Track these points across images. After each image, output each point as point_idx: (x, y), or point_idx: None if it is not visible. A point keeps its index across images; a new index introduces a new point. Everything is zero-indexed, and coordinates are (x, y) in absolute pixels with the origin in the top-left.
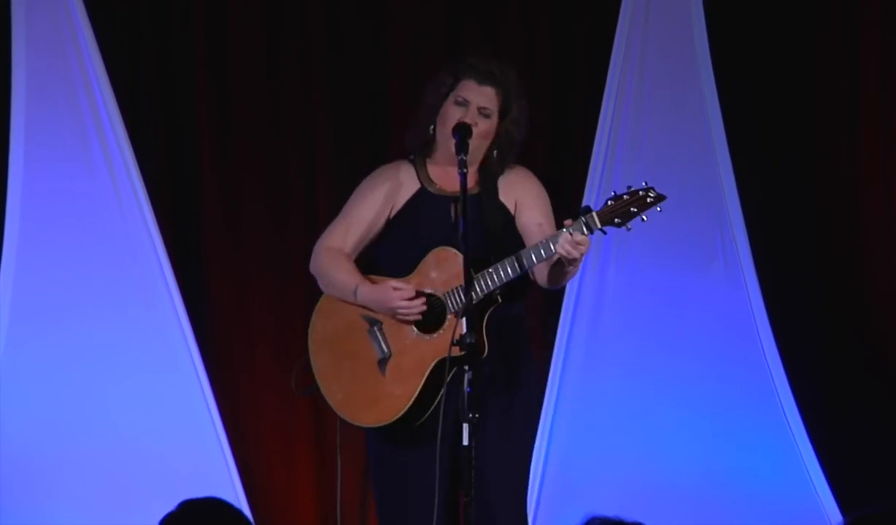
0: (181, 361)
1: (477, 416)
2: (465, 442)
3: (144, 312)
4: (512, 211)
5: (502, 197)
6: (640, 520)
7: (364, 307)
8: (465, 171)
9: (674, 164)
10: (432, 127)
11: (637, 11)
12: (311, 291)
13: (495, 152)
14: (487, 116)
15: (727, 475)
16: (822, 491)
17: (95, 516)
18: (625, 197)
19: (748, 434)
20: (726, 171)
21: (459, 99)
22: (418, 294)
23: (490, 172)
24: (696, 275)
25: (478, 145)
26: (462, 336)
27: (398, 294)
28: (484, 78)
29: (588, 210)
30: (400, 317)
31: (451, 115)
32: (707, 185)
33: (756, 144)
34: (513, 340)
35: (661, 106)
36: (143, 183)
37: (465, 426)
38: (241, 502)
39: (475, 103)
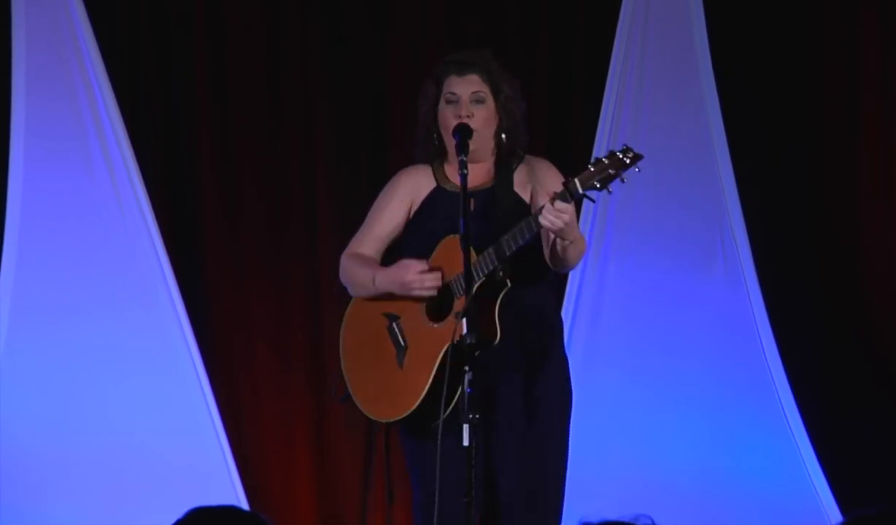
0: (181, 361)
1: (477, 416)
2: (466, 443)
3: (144, 312)
4: (527, 200)
5: (517, 187)
6: None
7: (384, 300)
8: (465, 171)
9: (674, 164)
10: (436, 135)
11: (637, 11)
12: (310, 292)
13: (504, 136)
14: (481, 101)
15: (727, 475)
16: (821, 491)
17: (95, 516)
18: (604, 160)
19: (748, 434)
20: (726, 171)
21: (448, 96)
22: (432, 269)
23: (506, 164)
24: (696, 275)
25: (483, 136)
26: (462, 337)
27: (410, 268)
28: (463, 68)
29: (570, 178)
30: (416, 292)
31: (447, 115)
32: (707, 185)
33: (756, 144)
34: (535, 332)
35: (661, 106)
36: (142, 183)
37: (466, 427)
38: (241, 502)
39: (464, 94)
